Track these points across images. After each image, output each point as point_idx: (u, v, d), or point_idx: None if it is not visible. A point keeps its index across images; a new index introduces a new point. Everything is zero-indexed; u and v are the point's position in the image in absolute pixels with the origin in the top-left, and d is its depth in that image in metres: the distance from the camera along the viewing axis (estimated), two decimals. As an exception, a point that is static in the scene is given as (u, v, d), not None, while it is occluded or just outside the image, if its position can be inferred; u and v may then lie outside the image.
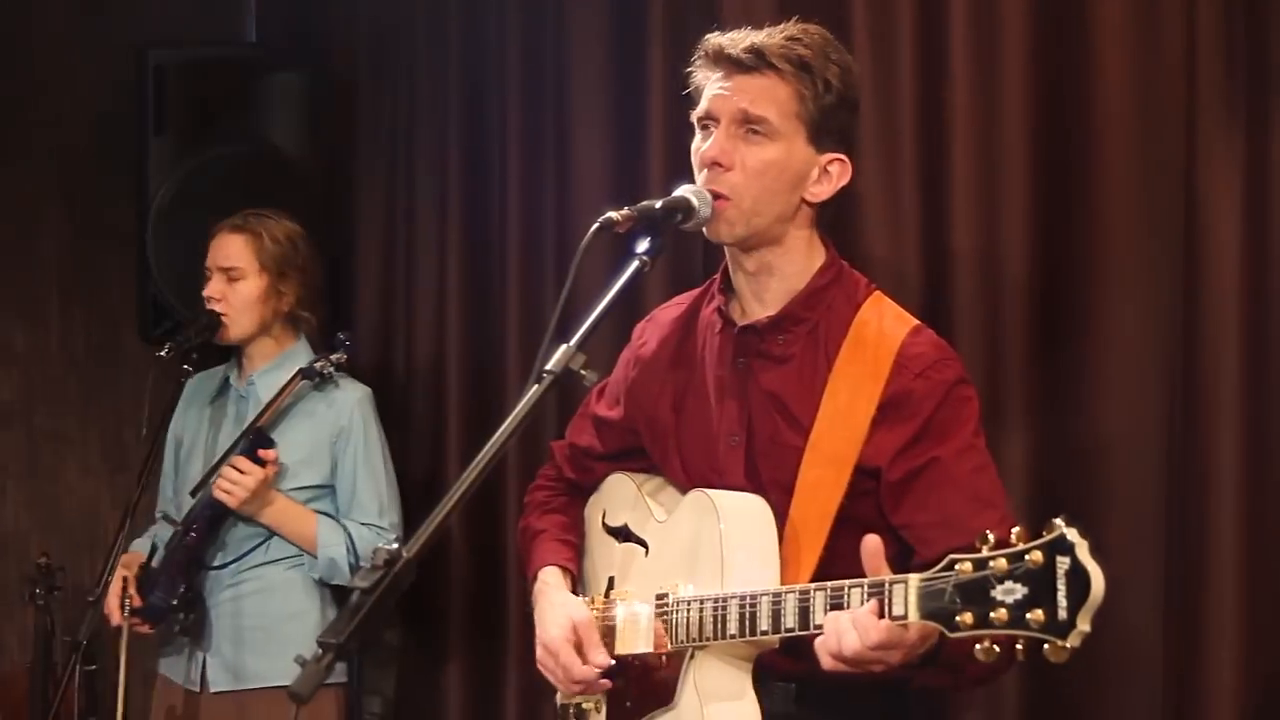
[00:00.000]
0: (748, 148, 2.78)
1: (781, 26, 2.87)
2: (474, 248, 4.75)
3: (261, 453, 4.14)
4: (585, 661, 2.85)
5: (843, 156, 2.83)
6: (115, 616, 4.15)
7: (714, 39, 2.85)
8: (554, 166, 4.48)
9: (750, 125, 2.78)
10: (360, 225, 5.11)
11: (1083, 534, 2.22)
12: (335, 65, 5.15)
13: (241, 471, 4.12)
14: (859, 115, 2.86)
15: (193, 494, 4.22)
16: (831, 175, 2.82)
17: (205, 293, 4.30)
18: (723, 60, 2.81)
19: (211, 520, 4.21)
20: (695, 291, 3.06)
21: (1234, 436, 3.27)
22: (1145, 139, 3.42)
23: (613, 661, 2.86)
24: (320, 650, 2.26)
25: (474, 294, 4.75)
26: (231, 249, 4.30)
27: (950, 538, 2.64)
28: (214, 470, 4.19)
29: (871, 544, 2.48)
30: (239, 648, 4.24)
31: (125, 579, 4.17)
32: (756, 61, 2.78)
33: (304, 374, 4.25)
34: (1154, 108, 3.42)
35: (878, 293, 2.90)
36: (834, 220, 2.93)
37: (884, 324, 2.83)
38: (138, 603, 4.15)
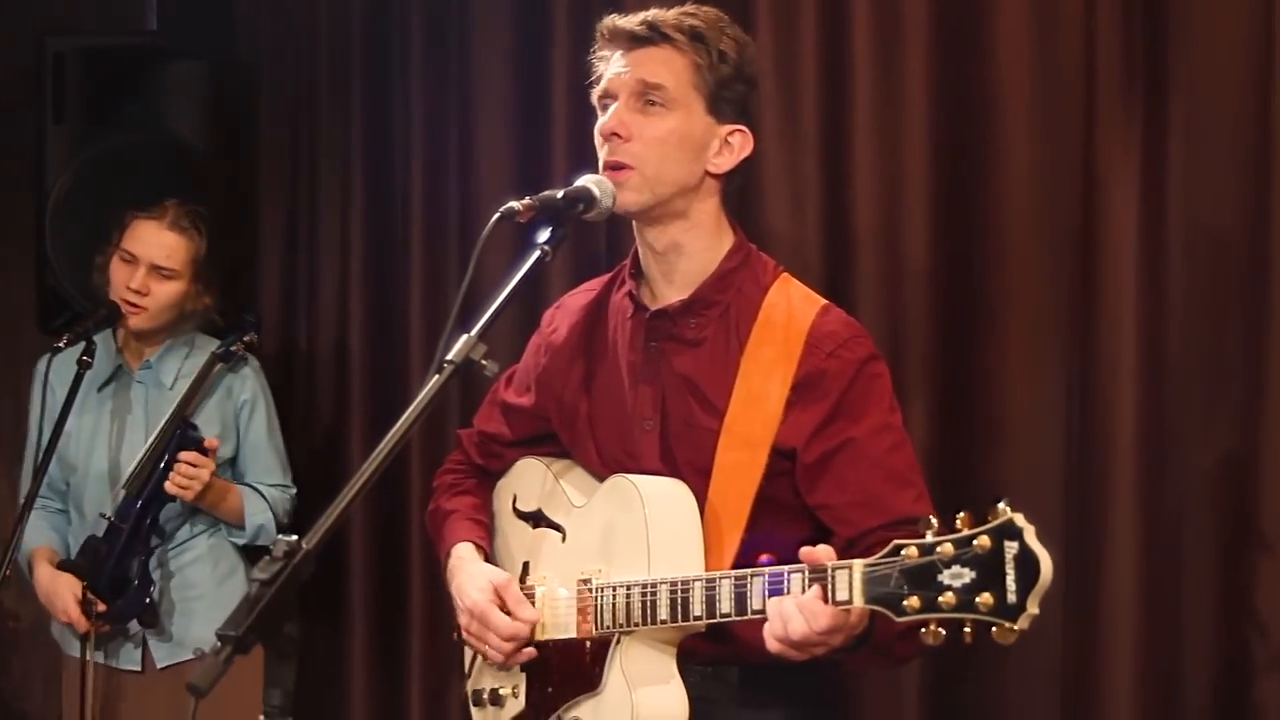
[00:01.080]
0: (646, 118, 2.79)
1: (685, 6, 2.90)
2: (377, 236, 4.72)
3: (207, 442, 4.19)
4: (513, 618, 2.85)
5: (743, 128, 2.83)
6: (81, 624, 4.16)
7: (610, 19, 2.87)
8: (457, 155, 4.46)
9: (648, 96, 2.79)
10: (263, 213, 5.06)
11: (1029, 519, 2.26)
12: (236, 53, 5.09)
13: (194, 466, 4.15)
14: (758, 92, 2.86)
15: (125, 487, 4.21)
16: (733, 146, 2.82)
17: (130, 284, 4.26)
18: (619, 37, 2.83)
19: (154, 511, 4.22)
20: (605, 277, 3.06)
21: (1130, 417, 3.32)
22: (1045, 122, 3.48)
23: (539, 615, 2.86)
24: (219, 643, 2.24)
25: (377, 282, 4.72)
26: (170, 248, 4.29)
27: (869, 517, 2.67)
28: (150, 465, 4.18)
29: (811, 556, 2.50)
30: (187, 619, 4.28)
31: (83, 586, 4.18)
32: (651, 33, 2.80)
33: (219, 358, 4.30)
34: (1054, 92, 3.48)
35: (786, 274, 2.91)
36: (738, 202, 2.94)
37: (793, 305, 2.84)
38: (102, 607, 4.17)
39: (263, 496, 4.34)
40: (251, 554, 4.35)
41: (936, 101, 3.57)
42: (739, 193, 2.90)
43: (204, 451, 4.17)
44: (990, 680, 3.49)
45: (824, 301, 2.87)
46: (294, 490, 4.39)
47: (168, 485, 4.15)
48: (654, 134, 2.78)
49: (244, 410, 4.39)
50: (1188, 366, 3.32)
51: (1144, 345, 3.32)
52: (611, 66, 2.84)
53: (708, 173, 2.83)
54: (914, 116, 3.59)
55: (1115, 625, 3.31)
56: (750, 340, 2.81)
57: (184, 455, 4.16)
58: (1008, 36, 3.51)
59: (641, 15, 2.84)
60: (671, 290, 2.88)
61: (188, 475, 4.14)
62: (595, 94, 2.88)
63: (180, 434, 4.18)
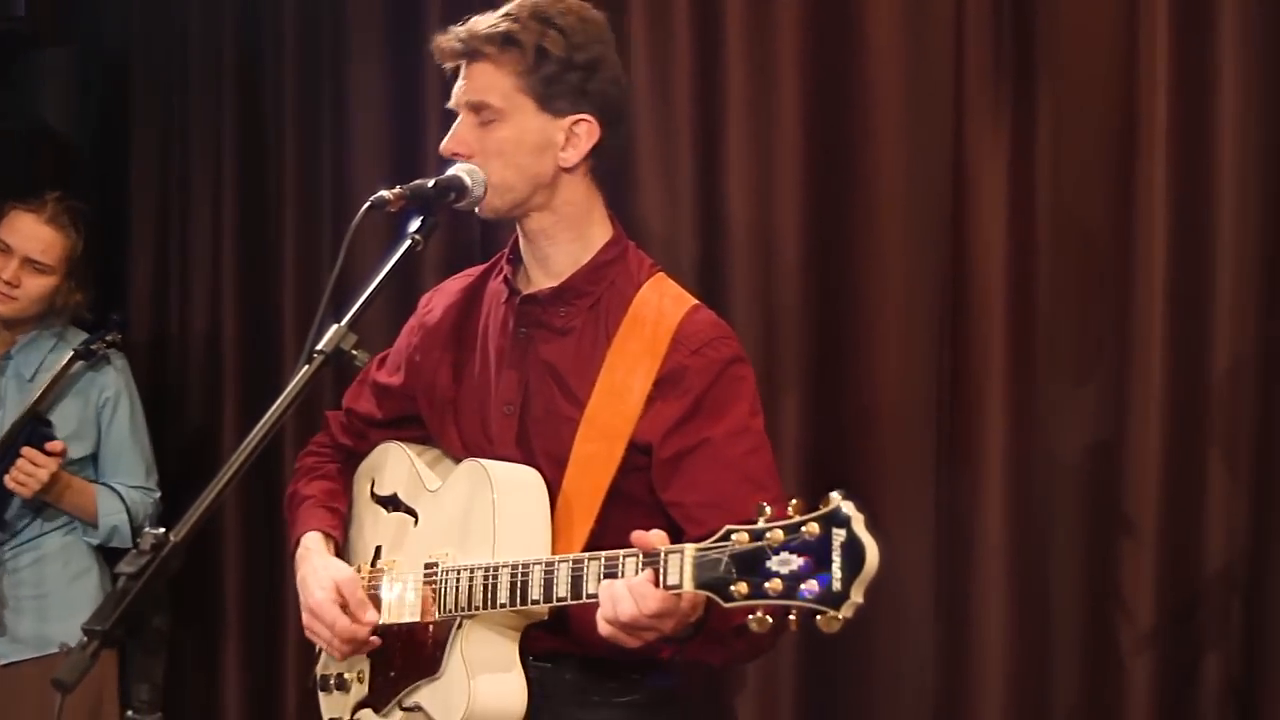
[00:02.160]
0: (484, 132, 2.76)
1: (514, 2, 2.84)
2: (250, 226, 4.67)
3: (49, 445, 4.12)
4: (354, 621, 2.82)
5: (587, 116, 2.78)
6: None
7: (436, 39, 2.83)
8: (331, 144, 4.42)
9: (481, 113, 2.77)
10: (134, 200, 4.98)
11: (859, 507, 2.23)
12: (106, 39, 5.01)
13: (35, 464, 4.10)
14: (604, 68, 2.81)
15: None
16: (579, 136, 2.79)
17: (2, 274, 4.20)
18: (445, 56, 2.82)
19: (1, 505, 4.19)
20: (486, 263, 3.04)
21: (999, 409, 3.35)
22: (915, 115, 3.49)
23: (380, 619, 2.83)
24: (85, 638, 2.20)
25: (250, 270, 4.67)
26: (46, 243, 4.24)
27: (719, 519, 2.61)
28: None
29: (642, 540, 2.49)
30: (18, 617, 4.22)
31: None
32: (467, 49, 2.77)
33: (80, 355, 4.24)
34: (923, 92, 3.48)
35: (661, 273, 2.90)
36: (610, 199, 2.93)
37: (664, 303, 2.83)
38: None
39: (120, 497, 4.28)
40: (111, 556, 4.28)
41: (808, 94, 3.57)
42: (609, 180, 2.89)
43: (47, 452, 4.11)
44: (863, 674, 3.51)
45: (695, 302, 2.86)
46: (158, 494, 4.35)
47: (6, 480, 4.10)
48: (490, 147, 2.75)
49: (106, 408, 4.32)
50: (1055, 356, 3.35)
51: (1012, 335, 3.35)
52: (454, 83, 2.83)
53: (560, 168, 2.80)
54: (786, 109, 3.59)
55: (985, 612, 3.34)
56: (618, 334, 2.79)
57: (25, 451, 4.10)
58: (879, 29, 3.52)
59: (460, 30, 2.78)
60: (545, 277, 2.86)
61: (26, 472, 4.09)
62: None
63: (30, 429, 4.13)
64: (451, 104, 2.82)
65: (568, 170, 2.80)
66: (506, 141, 2.76)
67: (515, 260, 2.91)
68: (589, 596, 2.52)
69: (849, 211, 3.54)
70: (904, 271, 3.49)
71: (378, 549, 2.95)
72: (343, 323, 2.51)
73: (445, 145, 2.79)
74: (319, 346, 2.49)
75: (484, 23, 2.78)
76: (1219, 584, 3.22)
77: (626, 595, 2.44)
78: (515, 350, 2.86)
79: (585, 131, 2.79)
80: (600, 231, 2.87)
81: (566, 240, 2.84)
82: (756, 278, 3.59)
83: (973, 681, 3.36)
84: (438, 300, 3.04)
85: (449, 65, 2.83)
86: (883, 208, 3.51)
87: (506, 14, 2.79)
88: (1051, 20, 3.34)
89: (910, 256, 3.49)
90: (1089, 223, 3.34)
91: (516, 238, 2.90)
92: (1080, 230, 3.34)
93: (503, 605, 2.63)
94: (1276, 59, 3.18)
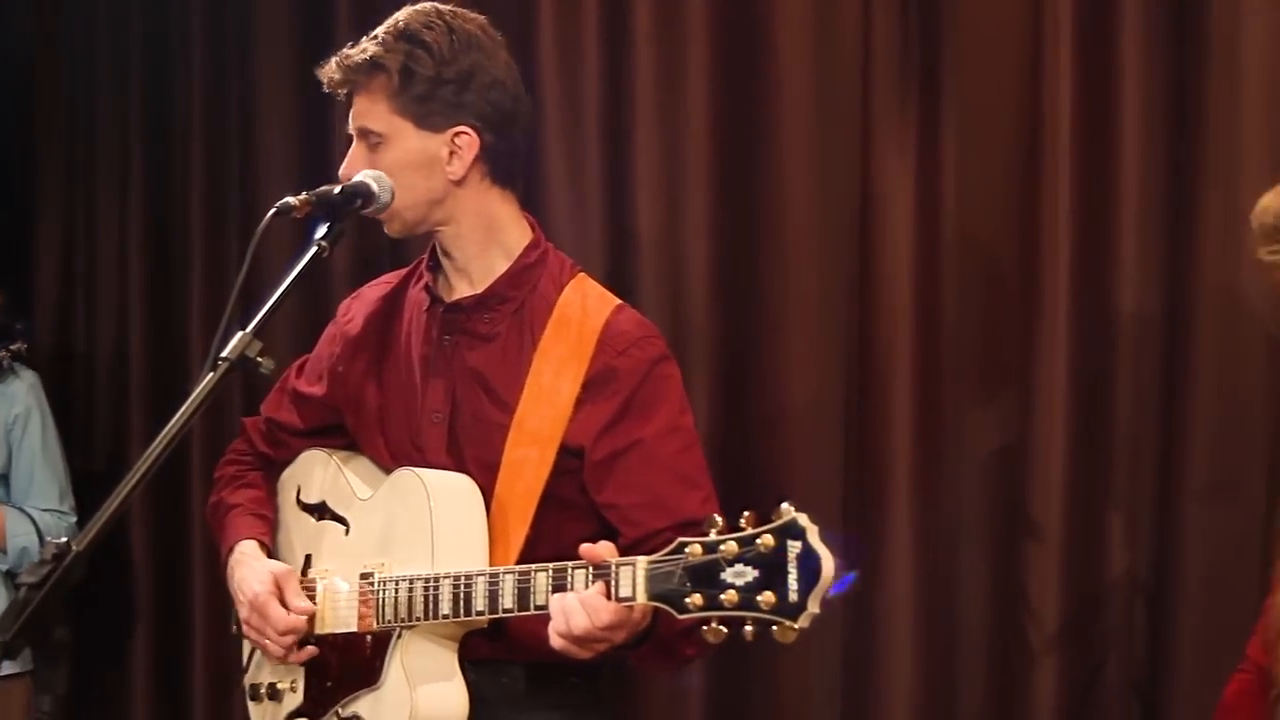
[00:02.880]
0: (374, 157, 2.76)
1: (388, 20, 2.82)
2: (157, 234, 4.62)
3: None
4: (290, 611, 2.78)
5: (465, 128, 2.76)
6: None
7: (320, 69, 2.82)
8: (239, 151, 4.39)
9: (368, 139, 2.77)
10: (39, 206, 4.92)
11: (812, 519, 2.25)
12: (10, 43, 4.96)
13: None
14: (479, 78, 2.79)
15: None
16: (461, 148, 2.77)
17: None
18: (331, 85, 2.81)
19: None
20: (405, 270, 3.02)
21: (906, 414, 3.36)
22: (822, 131, 3.51)
23: (315, 608, 2.81)
24: (-14, 650, 2.17)
25: (157, 277, 4.62)
26: None
27: (655, 518, 2.65)
28: None
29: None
30: None
31: None
32: (345, 78, 2.76)
33: None
34: (831, 101, 3.50)
35: (582, 273, 2.88)
36: (525, 202, 2.93)
37: (588, 303, 2.82)
38: None
39: (30, 519, 4.17)
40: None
41: (717, 101, 3.58)
42: (519, 185, 2.88)
43: None
44: (772, 678, 3.51)
45: (619, 302, 2.85)
46: (74, 519, 4.23)
47: None
48: (382, 171, 2.74)
49: (16, 425, 4.22)
50: (961, 361, 3.37)
51: (919, 340, 3.37)
52: None
53: (451, 181, 2.78)
54: (695, 117, 3.59)
55: (892, 613, 3.35)
56: (543, 337, 2.78)
57: None
58: (786, 39, 3.53)
59: (335, 59, 2.77)
60: (467, 285, 2.85)
61: None
62: None
63: None
64: (349, 129, 2.82)
65: (458, 183, 2.79)
66: (394, 164, 2.75)
67: (435, 268, 2.90)
68: (537, 609, 2.50)
69: (757, 218, 3.54)
70: (812, 277, 3.50)
71: (308, 557, 2.92)
72: (248, 330, 2.49)
73: (343, 171, 2.79)
74: (224, 354, 2.47)
75: (354, 51, 2.77)
76: (1123, 586, 3.25)
77: (579, 608, 2.43)
78: (440, 358, 2.84)
79: (466, 143, 2.77)
80: (517, 236, 2.85)
81: (481, 249, 2.83)
82: (666, 284, 3.59)
83: (880, 682, 3.38)
84: (357, 308, 3.01)
85: (339, 93, 2.84)
86: (791, 215, 3.52)
87: (374, 38, 2.77)
88: (956, 31, 3.36)
89: (818, 263, 3.50)
90: (994, 230, 3.36)
91: (434, 245, 2.89)
92: (985, 237, 3.36)
93: (445, 616, 2.61)
94: (1177, 70, 3.22)
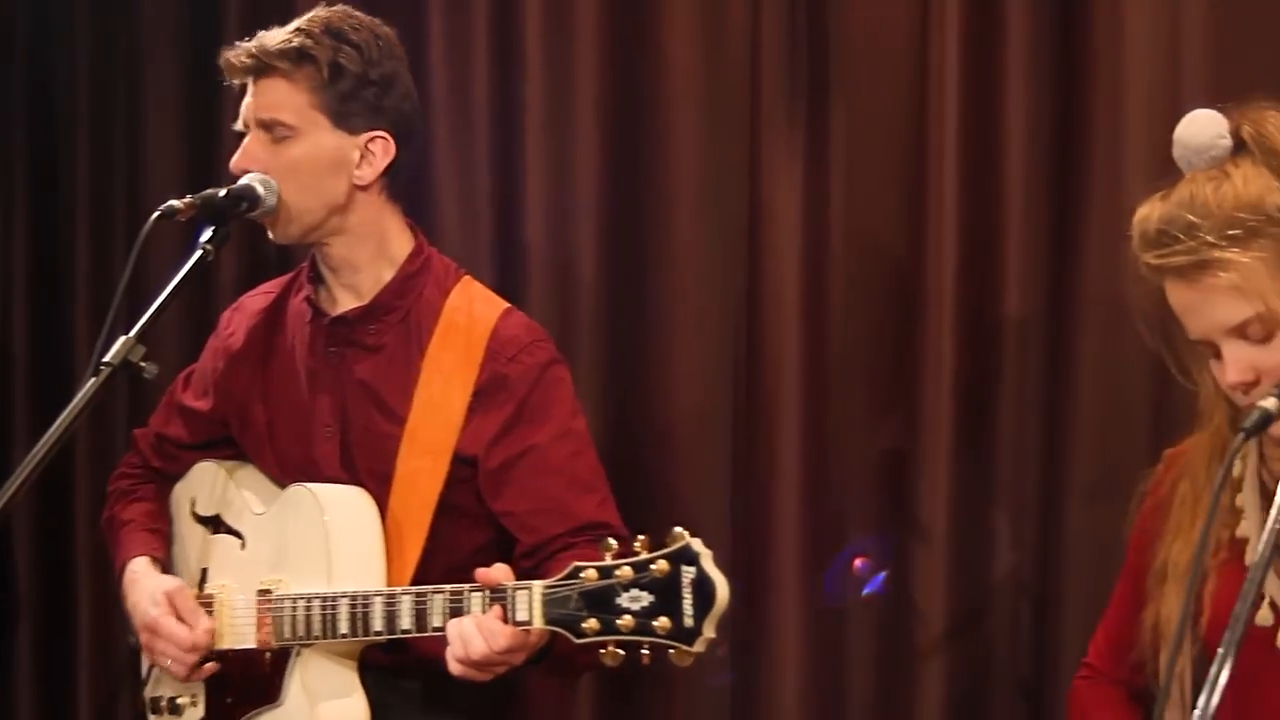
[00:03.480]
0: (276, 149, 2.72)
1: (305, 17, 2.81)
2: (41, 238, 4.54)
3: None
4: (191, 628, 2.76)
5: (382, 133, 2.76)
6: None
7: (223, 53, 2.79)
8: (125, 153, 4.32)
9: (273, 130, 2.73)
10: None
11: (706, 544, 2.29)
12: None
13: None
14: (397, 86, 2.78)
15: None
16: (374, 154, 2.76)
17: None
18: (233, 71, 2.77)
19: None
20: (284, 279, 2.98)
21: (795, 419, 3.37)
22: (711, 129, 3.50)
23: (213, 623, 2.78)
24: None
25: (41, 279, 4.54)
26: None
27: (552, 524, 2.67)
28: None
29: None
30: None
31: None
32: (259, 65, 2.73)
33: None
34: (719, 108, 3.49)
35: (467, 277, 2.87)
36: (409, 212, 2.90)
37: (474, 309, 2.80)
38: None
39: None
40: None
41: (606, 108, 3.57)
42: (406, 193, 2.86)
43: None
44: (661, 686, 3.51)
45: (506, 305, 2.84)
46: None
47: None
48: (283, 166, 2.71)
49: None
50: (848, 367, 3.38)
51: (807, 347, 3.37)
52: (245, 96, 2.78)
53: (355, 186, 2.76)
54: (584, 123, 3.57)
55: (781, 616, 3.36)
56: (431, 345, 2.77)
57: None
58: (676, 46, 3.52)
59: (249, 45, 2.75)
60: (350, 296, 2.82)
61: None
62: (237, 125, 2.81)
63: None
64: (240, 123, 2.76)
65: (362, 189, 2.76)
66: (301, 160, 2.71)
67: (316, 279, 2.86)
68: (434, 630, 2.50)
69: (646, 227, 3.54)
70: (700, 285, 3.50)
71: (204, 571, 2.89)
72: (130, 334, 2.47)
73: (236, 162, 2.73)
74: (106, 358, 2.45)
75: (275, 38, 2.73)
76: (1009, 586, 3.27)
77: (476, 634, 2.43)
78: (327, 371, 2.82)
79: (381, 149, 2.75)
80: (401, 244, 2.83)
81: (369, 260, 2.80)
82: (553, 291, 3.58)
83: (769, 685, 3.38)
84: (238, 321, 2.97)
85: (238, 81, 2.79)
86: (679, 223, 3.51)
87: (299, 29, 2.74)
88: (845, 38, 3.37)
89: (707, 271, 3.50)
90: (881, 238, 3.38)
91: (314, 254, 2.86)
92: (873, 245, 3.38)
93: (343, 635, 2.61)
94: (1063, 78, 3.25)
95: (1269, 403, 1.95)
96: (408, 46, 2.92)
